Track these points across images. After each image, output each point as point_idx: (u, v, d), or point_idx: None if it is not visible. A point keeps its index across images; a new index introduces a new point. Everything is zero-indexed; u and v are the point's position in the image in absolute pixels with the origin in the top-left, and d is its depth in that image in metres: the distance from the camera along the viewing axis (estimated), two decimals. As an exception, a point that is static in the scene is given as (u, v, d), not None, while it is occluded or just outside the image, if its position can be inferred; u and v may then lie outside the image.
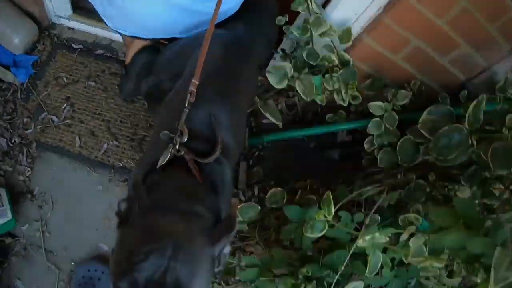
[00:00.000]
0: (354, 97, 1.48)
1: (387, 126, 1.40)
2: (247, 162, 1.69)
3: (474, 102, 1.05)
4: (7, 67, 1.74)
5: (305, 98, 1.45)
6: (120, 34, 1.48)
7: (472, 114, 1.04)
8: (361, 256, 1.15)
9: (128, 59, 1.57)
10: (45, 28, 1.87)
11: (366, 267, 1.11)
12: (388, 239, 1.05)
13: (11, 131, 1.67)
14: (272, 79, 1.46)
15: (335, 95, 1.50)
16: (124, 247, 0.71)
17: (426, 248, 0.99)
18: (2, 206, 1.51)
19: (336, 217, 1.13)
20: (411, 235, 1.02)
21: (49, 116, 1.70)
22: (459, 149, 1.03)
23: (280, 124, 1.55)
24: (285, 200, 1.37)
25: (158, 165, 0.86)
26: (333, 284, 1.10)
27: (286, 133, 1.67)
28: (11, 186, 1.60)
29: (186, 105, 0.88)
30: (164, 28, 1.37)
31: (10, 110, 1.71)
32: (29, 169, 1.63)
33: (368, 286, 1.17)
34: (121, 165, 1.65)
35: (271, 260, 1.25)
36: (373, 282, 1.16)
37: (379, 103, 1.42)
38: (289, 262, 1.24)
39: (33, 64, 1.79)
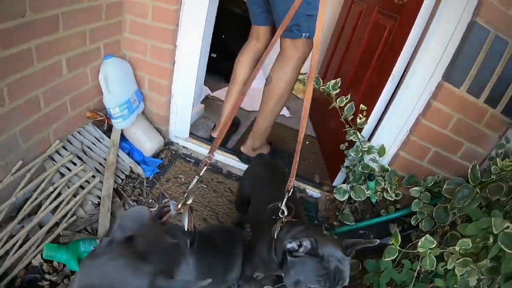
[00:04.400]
0: (397, 194, 2.01)
1: (424, 201, 1.87)
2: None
3: (471, 165, 1.62)
4: (138, 163, 2.11)
5: (359, 199, 2.02)
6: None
7: (471, 173, 1.61)
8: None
9: None
10: (166, 143, 2.34)
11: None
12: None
13: (137, 208, 1.92)
14: (337, 196, 2.06)
15: (384, 194, 2.03)
16: None
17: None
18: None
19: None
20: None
21: (171, 201, 1.99)
22: (469, 197, 1.56)
23: (353, 222, 2.06)
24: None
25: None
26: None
27: (353, 225, 2.06)
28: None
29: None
30: None
31: (137, 193, 2.01)
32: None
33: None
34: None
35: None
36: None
37: (416, 188, 1.92)
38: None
39: (158, 166, 2.17)
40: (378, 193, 2.06)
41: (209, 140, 2.45)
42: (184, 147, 2.43)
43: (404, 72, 1.98)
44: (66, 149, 1.93)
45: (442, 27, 1.75)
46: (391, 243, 1.51)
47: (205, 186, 2.19)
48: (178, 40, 2.09)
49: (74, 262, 1.53)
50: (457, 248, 1.33)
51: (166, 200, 1.28)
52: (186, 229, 1.15)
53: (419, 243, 1.42)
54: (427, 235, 1.43)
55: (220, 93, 3.20)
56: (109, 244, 0.86)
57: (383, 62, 2.16)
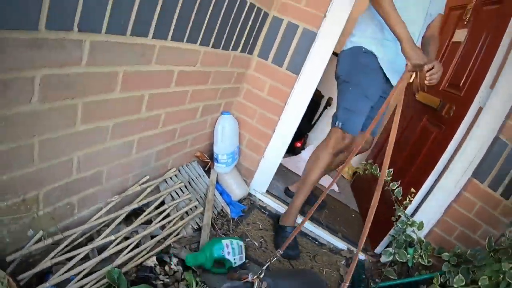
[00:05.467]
0: (429, 261, 2.16)
1: (452, 263, 2.01)
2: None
3: (488, 237, 1.89)
4: (227, 204, 2.26)
5: (402, 260, 2.20)
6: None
7: (488, 243, 1.85)
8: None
9: None
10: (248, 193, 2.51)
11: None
12: None
13: (224, 240, 2.04)
14: (385, 257, 2.27)
15: (420, 260, 2.18)
16: None
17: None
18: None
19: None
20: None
21: (253, 241, 2.12)
22: (485, 259, 1.80)
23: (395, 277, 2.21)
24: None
25: None
26: None
27: (394, 281, 2.20)
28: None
29: None
30: None
31: (225, 229, 2.13)
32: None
33: None
34: None
35: None
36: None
37: (446, 253, 2.07)
38: None
39: (241, 210, 2.32)
40: (415, 258, 2.21)
41: (280, 198, 2.64)
42: (260, 199, 2.58)
43: (444, 168, 2.30)
44: (176, 177, 2.10)
45: (475, 139, 2.17)
46: (434, 282, 1.88)
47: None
48: (283, 114, 2.36)
49: (211, 263, 1.76)
50: (479, 283, 1.66)
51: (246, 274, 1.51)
52: None
53: (455, 280, 1.79)
54: (459, 274, 1.78)
55: (284, 161, 3.42)
56: None
57: (429, 158, 2.45)
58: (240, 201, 2.46)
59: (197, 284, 1.65)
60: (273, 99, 2.34)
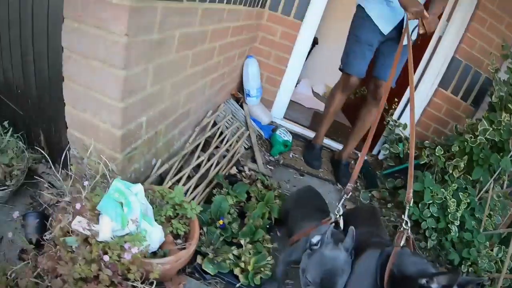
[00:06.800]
0: (415, 152, 2.76)
1: (432, 148, 2.65)
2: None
3: (454, 126, 2.39)
4: (260, 128, 2.81)
5: (396, 151, 2.89)
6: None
7: (455, 129, 2.36)
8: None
9: None
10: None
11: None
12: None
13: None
14: (381, 154, 2.89)
15: (408, 151, 2.58)
16: None
17: None
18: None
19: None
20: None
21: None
22: (454, 139, 2.31)
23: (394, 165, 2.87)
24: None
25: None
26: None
27: (392, 169, 2.88)
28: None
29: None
30: None
31: (264, 148, 2.68)
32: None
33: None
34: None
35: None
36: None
37: (427, 141, 2.60)
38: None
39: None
40: (405, 150, 2.89)
41: (294, 121, 3.26)
42: (280, 124, 3.13)
43: (418, 82, 2.99)
44: (224, 111, 2.58)
45: (438, 58, 2.89)
46: (422, 155, 2.60)
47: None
48: (293, 52, 2.90)
49: (283, 146, 2.72)
50: (452, 150, 2.42)
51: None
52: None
53: (436, 150, 2.48)
54: (438, 146, 2.51)
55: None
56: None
57: (405, 77, 3.02)
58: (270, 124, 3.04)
59: (267, 180, 2.20)
60: (284, 41, 2.85)
